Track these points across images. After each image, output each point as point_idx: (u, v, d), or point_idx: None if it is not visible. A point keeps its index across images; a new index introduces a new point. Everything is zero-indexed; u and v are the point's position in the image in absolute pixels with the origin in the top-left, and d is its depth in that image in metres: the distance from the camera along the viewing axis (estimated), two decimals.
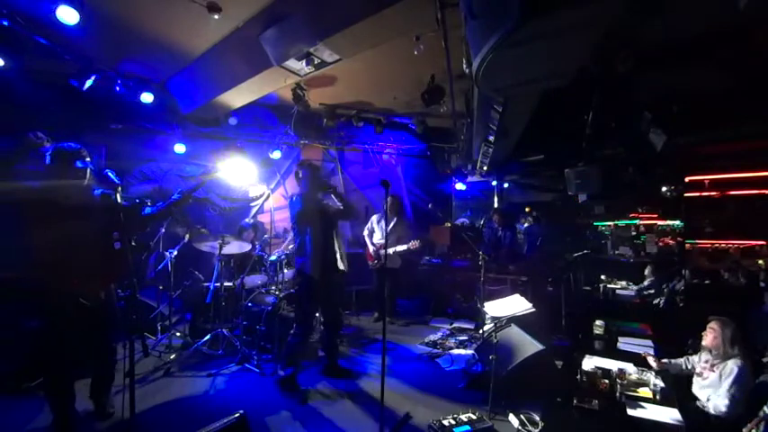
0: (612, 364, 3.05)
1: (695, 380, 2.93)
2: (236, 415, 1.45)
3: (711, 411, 2.64)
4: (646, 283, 5.70)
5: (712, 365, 2.79)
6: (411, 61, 3.56)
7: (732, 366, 2.66)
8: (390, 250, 5.01)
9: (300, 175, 3.43)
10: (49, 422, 2.59)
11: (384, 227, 5.17)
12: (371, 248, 5.31)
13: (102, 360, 2.88)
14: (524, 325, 3.38)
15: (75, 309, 2.59)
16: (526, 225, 7.23)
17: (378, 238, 5.29)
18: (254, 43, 3.41)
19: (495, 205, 7.58)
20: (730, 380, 2.61)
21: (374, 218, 5.44)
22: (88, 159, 2.69)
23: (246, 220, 5.34)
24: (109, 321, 2.85)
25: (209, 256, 4.47)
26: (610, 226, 7.56)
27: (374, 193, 7.12)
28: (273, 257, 4.39)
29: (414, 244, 4.92)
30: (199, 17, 3.18)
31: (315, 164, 3.69)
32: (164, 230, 4.57)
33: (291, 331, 3.39)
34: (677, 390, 2.85)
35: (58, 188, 2.58)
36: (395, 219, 5.19)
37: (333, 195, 3.37)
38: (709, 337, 2.83)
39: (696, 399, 2.82)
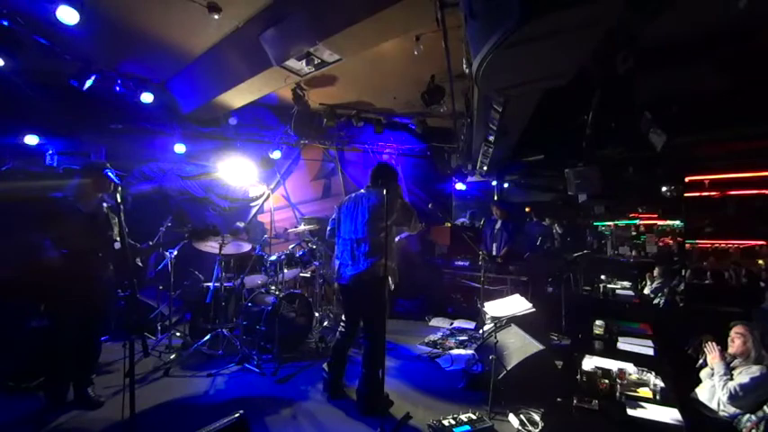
0: (612, 364, 3.04)
1: (706, 383, 2.82)
2: (236, 415, 1.44)
3: (713, 406, 2.62)
4: (656, 283, 5.68)
5: (734, 369, 2.67)
6: (411, 61, 3.56)
7: (756, 369, 2.53)
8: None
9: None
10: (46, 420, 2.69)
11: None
12: None
13: (88, 360, 2.99)
14: (524, 325, 3.38)
15: (79, 310, 2.78)
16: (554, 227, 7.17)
17: None
18: (254, 43, 3.41)
19: None
20: (746, 379, 2.50)
21: None
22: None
23: (238, 223, 5.33)
24: (101, 324, 3.05)
25: (209, 256, 4.47)
26: (610, 226, 7.55)
27: None
28: (273, 257, 4.39)
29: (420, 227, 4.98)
30: (199, 17, 3.18)
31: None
32: (163, 230, 4.57)
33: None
34: (677, 390, 2.83)
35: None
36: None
37: None
38: (736, 343, 2.71)
39: (699, 401, 2.77)
